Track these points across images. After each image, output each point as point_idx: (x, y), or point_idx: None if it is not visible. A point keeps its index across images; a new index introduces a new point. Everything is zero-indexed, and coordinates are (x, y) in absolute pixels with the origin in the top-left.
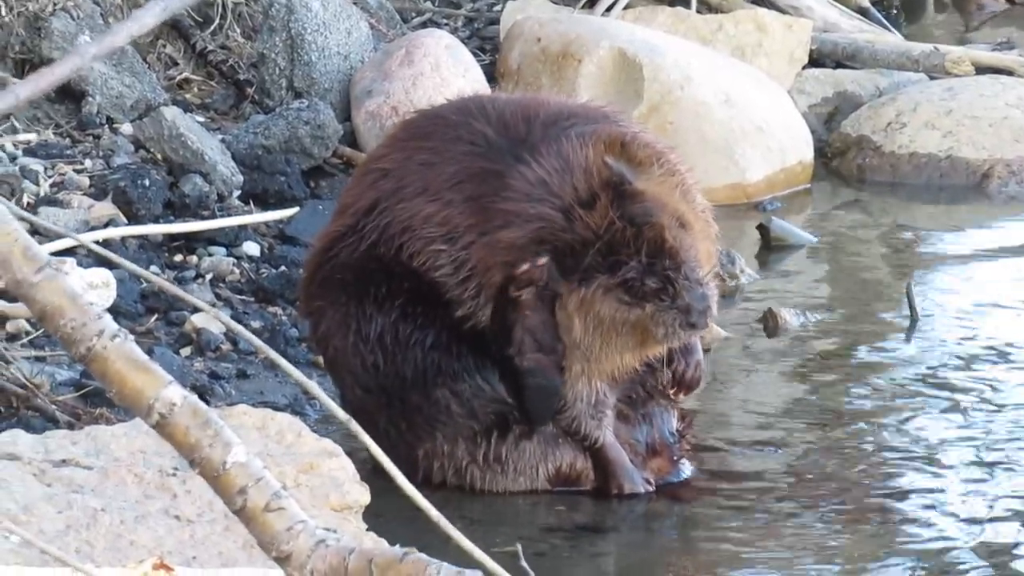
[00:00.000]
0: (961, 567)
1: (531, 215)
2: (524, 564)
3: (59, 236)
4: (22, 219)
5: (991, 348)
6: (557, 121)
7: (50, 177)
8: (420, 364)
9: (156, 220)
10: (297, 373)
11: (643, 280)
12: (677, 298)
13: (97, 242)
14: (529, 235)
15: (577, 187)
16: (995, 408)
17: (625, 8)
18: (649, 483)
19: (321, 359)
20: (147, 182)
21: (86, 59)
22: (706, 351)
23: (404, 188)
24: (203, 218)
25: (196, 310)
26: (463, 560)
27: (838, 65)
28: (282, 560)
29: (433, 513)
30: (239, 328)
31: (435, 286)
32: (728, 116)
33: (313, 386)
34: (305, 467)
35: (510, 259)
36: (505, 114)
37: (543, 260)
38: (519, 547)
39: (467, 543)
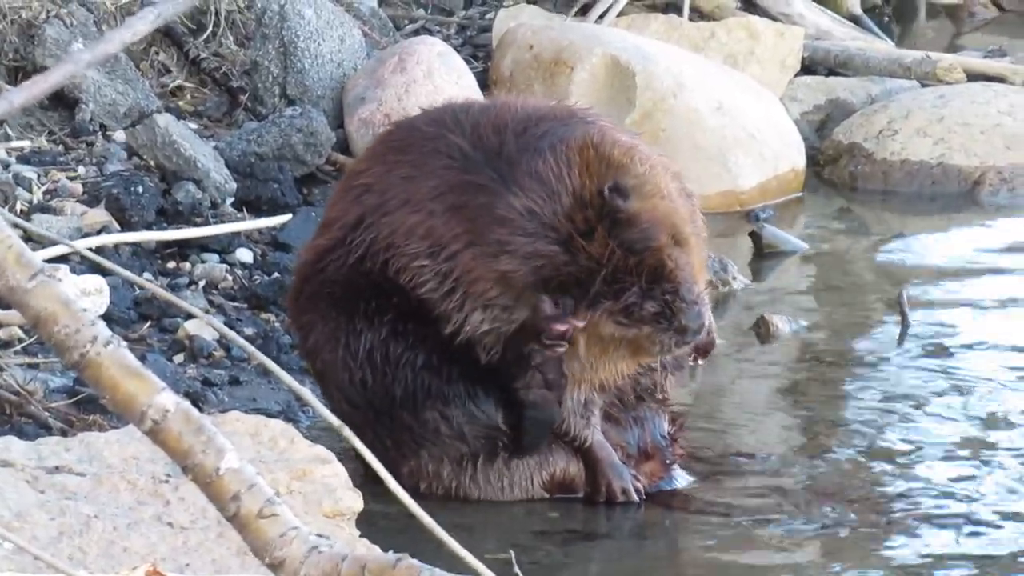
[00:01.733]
0: (962, 572)
1: (529, 253)
2: (517, 571)
3: (52, 243)
4: (15, 226)
5: (983, 355)
6: (527, 128)
7: (43, 184)
8: (410, 385)
9: (149, 227)
10: (290, 380)
11: (642, 305)
12: (674, 320)
13: (91, 249)
14: (531, 274)
15: (573, 218)
16: (991, 412)
17: (618, 16)
18: (638, 479)
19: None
20: (140, 189)
21: (80, 66)
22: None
23: (387, 202)
24: (196, 225)
25: (189, 317)
26: (456, 566)
27: (830, 72)
28: (275, 567)
29: (426, 519)
30: (233, 335)
31: (423, 303)
32: (720, 124)
33: (307, 393)
34: (298, 474)
35: (509, 284)
36: (479, 125)
37: (580, 323)
38: (512, 554)
39: (460, 549)
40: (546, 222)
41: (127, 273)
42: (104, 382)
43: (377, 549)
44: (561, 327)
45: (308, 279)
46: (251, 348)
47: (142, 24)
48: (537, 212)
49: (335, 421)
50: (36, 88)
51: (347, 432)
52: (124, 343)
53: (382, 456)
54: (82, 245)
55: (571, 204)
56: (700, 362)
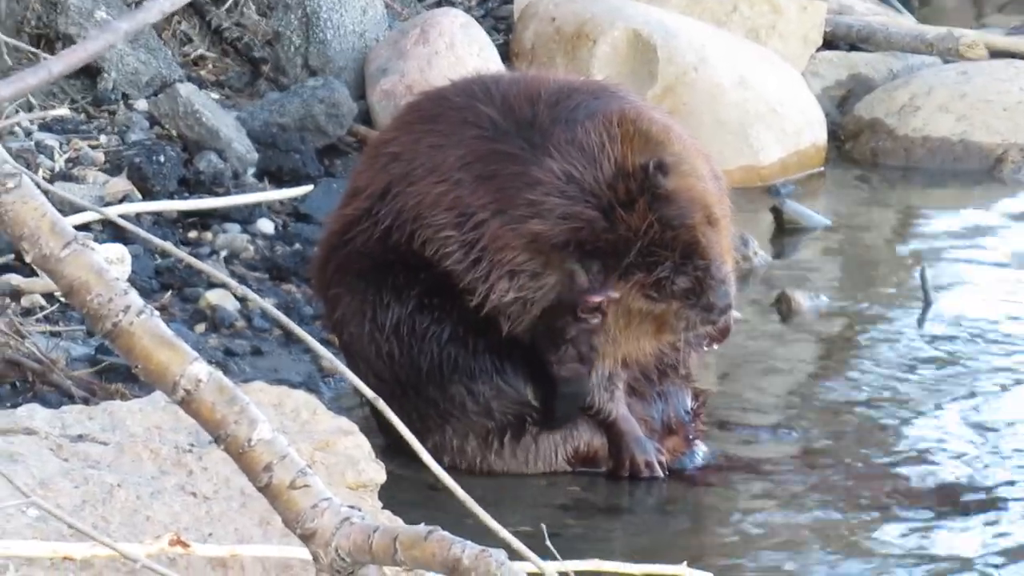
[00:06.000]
0: (974, 551)
1: (567, 213)
2: (548, 543)
3: (80, 210)
4: (45, 192)
5: (1004, 332)
6: (559, 100)
7: (65, 152)
8: (436, 358)
9: (171, 196)
10: (327, 352)
11: (674, 279)
12: (702, 297)
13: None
14: (567, 234)
15: (615, 187)
16: (1010, 391)
17: None
18: (661, 453)
19: (336, 339)
20: (162, 158)
21: (119, 36)
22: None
23: (414, 171)
24: (218, 195)
25: (211, 286)
26: (476, 539)
27: (852, 47)
28: (307, 537)
29: (459, 491)
30: (275, 311)
31: (449, 276)
32: (742, 98)
33: (342, 366)
34: (321, 445)
35: (538, 249)
36: (509, 96)
37: (615, 295)
38: (544, 528)
39: (493, 523)
40: (587, 188)
41: (158, 241)
42: (137, 352)
43: (400, 521)
44: (596, 299)
45: (334, 249)
46: (285, 319)
47: None
48: (577, 177)
49: (370, 393)
50: (74, 57)
51: (381, 404)
52: (156, 313)
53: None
54: (110, 213)
55: (613, 173)
56: (715, 347)
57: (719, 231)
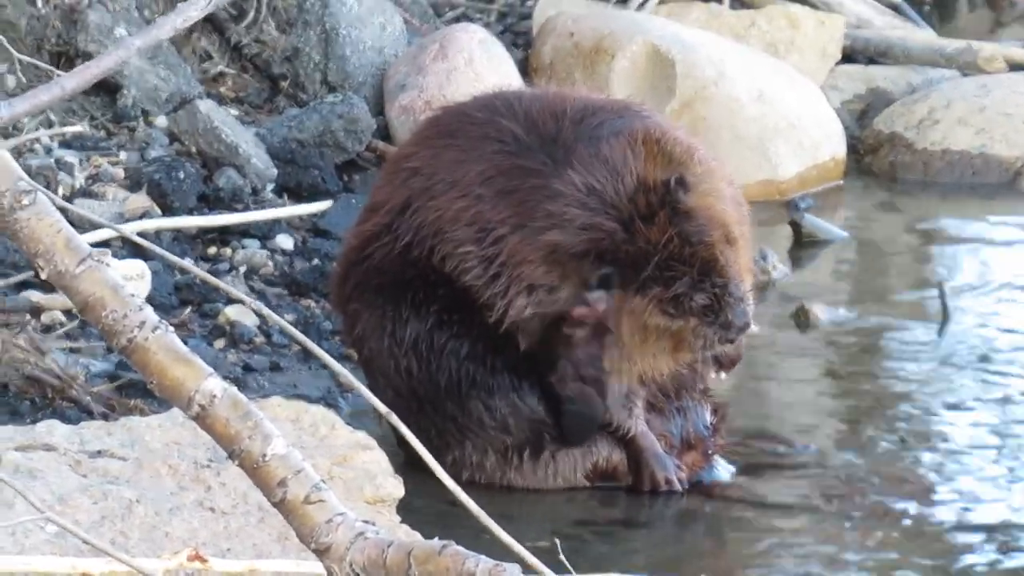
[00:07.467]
0: (996, 569)
1: (587, 224)
2: (563, 559)
3: (97, 227)
4: (62, 209)
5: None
6: (584, 118)
7: (85, 169)
8: (455, 375)
9: (190, 213)
10: (341, 368)
11: (692, 296)
12: (720, 314)
13: (139, 234)
14: (586, 245)
15: (636, 201)
16: None
17: (659, 3)
18: (681, 469)
19: (356, 354)
20: (181, 175)
21: (131, 51)
22: None
23: (434, 186)
24: (237, 211)
25: (230, 302)
26: (494, 554)
27: (870, 61)
28: (321, 552)
29: (472, 507)
30: (289, 327)
31: (468, 292)
32: (761, 112)
33: (357, 383)
34: (339, 460)
35: (556, 261)
36: (532, 111)
37: (603, 305)
38: (557, 542)
39: (507, 537)
40: (608, 200)
41: (174, 258)
42: (152, 367)
43: (418, 535)
44: (582, 310)
45: (354, 265)
46: (300, 335)
47: (194, 10)
48: (598, 189)
49: (383, 408)
50: (88, 73)
51: (395, 419)
52: (171, 328)
53: (426, 446)
54: (127, 230)
55: (635, 187)
56: (723, 375)
57: (737, 250)
